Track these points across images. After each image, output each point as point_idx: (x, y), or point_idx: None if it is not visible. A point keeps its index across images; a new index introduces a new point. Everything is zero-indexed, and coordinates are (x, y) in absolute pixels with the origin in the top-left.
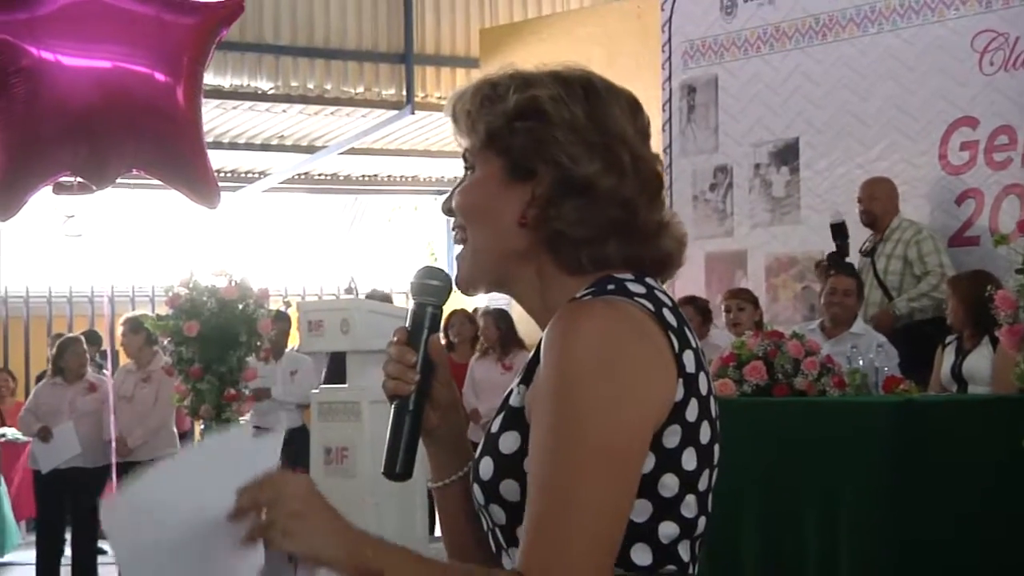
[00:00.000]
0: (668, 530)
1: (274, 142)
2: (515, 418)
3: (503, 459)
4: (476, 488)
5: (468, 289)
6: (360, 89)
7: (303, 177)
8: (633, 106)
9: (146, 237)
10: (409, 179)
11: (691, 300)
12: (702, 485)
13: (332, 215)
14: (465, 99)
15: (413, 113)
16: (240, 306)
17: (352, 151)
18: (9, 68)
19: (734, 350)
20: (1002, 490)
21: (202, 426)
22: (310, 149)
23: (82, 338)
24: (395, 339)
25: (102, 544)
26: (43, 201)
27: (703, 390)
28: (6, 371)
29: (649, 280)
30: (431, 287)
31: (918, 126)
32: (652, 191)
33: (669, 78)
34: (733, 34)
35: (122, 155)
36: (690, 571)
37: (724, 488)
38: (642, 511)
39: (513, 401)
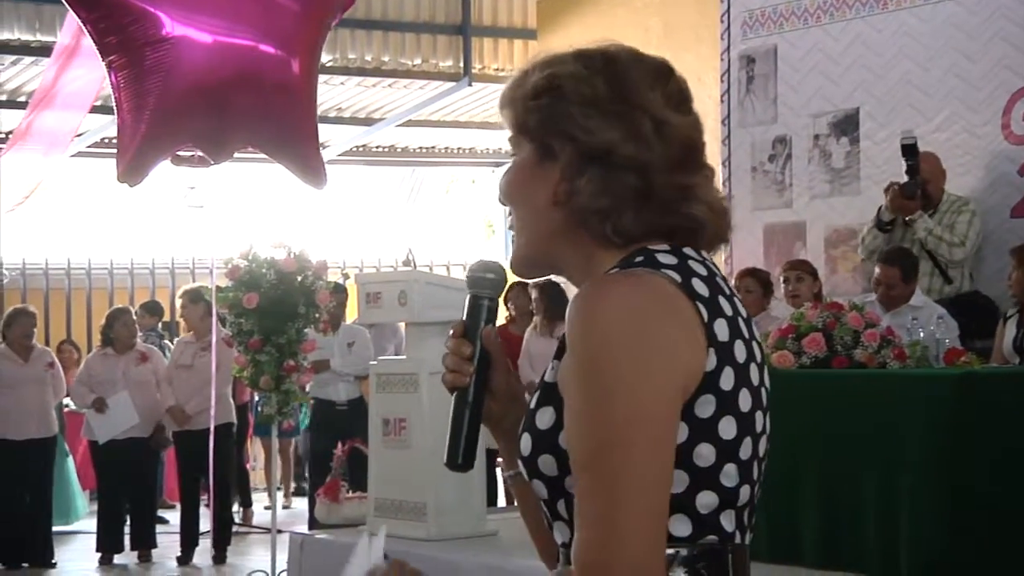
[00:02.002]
0: (707, 499)
1: (332, 114)
2: (549, 393)
3: (540, 435)
4: (521, 465)
5: (520, 272)
6: (417, 61)
7: (361, 149)
8: (660, 72)
9: (207, 210)
10: (467, 151)
11: (752, 272)
12: (744, 453)
13: (390, 187)
14: (505, 88)
15: (470, 85)
16: (299, 278)
17: (409, 123)
18: (149, 38)
19: (792, 322)
20: None
21: (258, 398)
22: (368, 121)
23: (131, 309)
24: (452, 332)
25: (161, 513)
26: (98, 173)
27: (740, 358)
28: (69, 342)
29: (687, 251)
30: (485, 280)
31: (980, 96)
32: (679, 156)
33: (728, 49)
34: (793, 3)
35: (244, 132)
36: (737, 540)
37: (782, 460)
38: (678, 482)
39: (548, 376)
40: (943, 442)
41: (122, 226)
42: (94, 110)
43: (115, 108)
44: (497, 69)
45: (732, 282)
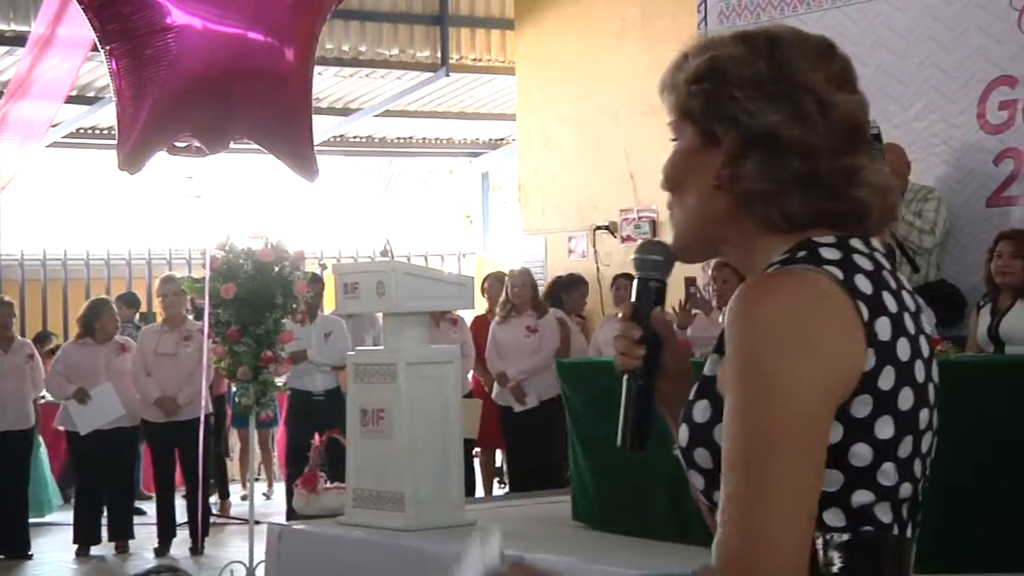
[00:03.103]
0: (862, 498)
1: None
2: (707, 387)
3: (696, 428)
4: (678, 454)
5: (682, 257)
6: (395, 51)
7: (338, 140)
8: (823, 52)
9: (183, 201)
10: (444, 141)
11: (727, 264)
12: (903, 451)
13: (367, 178)
14: (665, 72)
15: (448, 75)
16: (276, 268)
17: (387, 113)
18: (153, 26)
19: None
20: None
21: (236, 389)
22: (345, 111)
23: (110, 300)
24: (620, 315)
25: (138, 504)
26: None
27: (903, 356)
28: (45, 333)
29: (854, 242)
30: (652, 262)
31: (956, 85)
32: (844, 137)
33: None
34: None
35: (243, 122)
36: (896, 532)
37: None
38: (833, 481)
39: (706, 370)
40: None
41: (98, 217)
42: (69, 100)
43: (115, 96)
44: (475, 59)
45: (710, 272)
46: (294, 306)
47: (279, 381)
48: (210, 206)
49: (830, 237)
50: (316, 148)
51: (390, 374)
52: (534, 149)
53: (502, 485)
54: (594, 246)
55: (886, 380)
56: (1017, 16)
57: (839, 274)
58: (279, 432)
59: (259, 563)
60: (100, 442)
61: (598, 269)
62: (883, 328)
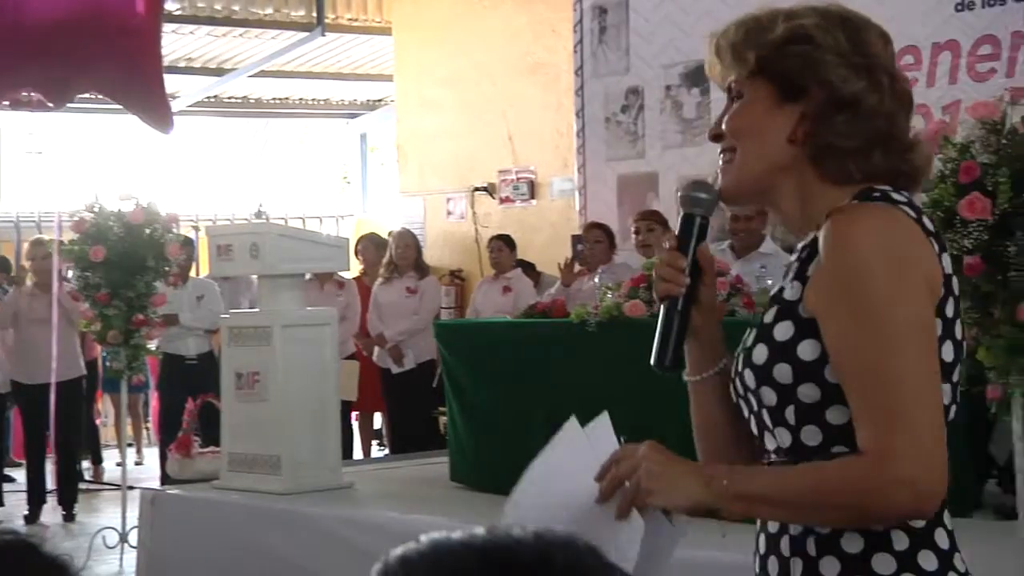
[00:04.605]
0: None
1: (182, 64)
2: (790, 310)
3: (778, 345)
4: (748, 373)
5: (733, 200)
6: (269, 11)
7: (213, 100)
8: (884, 36)
9: (53, 161)
10: (321, 102)
11: (598, 224)
12: (955, 377)
13: (243, 139)
14: (729, 34)
15: (324, 35)
16: (147, 231)
17: (262, 74)
18: None
19: (644, 271)
20: None
21: (104, 353)
22: (219, 72)
23: None
24: (667, 245)
25: (8, 472)
26: None
27: (956, 291)
28: None
29: (905, 195)
30: (699, 199)
31: None
32: (907, 108)
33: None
34: None
35: (88, 75)
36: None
37: (633, 404)
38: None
39: (788, 295)
40: None
41: None
42: None
43: None
44: (351, 19)
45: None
46: (166, 269)
47: (151, 345)
48: (61, 166)
49: (888, 187)
50: (190, 108)
51: (265, 337)
52: (412, 110)
53: (382, 447)
54: (472, 207)
55: (950, 309)
56: None
57: (912, 213)
58: (153, 397)
59: (132, 528)
60: None
61: (476, 230)
62: (947, 262)
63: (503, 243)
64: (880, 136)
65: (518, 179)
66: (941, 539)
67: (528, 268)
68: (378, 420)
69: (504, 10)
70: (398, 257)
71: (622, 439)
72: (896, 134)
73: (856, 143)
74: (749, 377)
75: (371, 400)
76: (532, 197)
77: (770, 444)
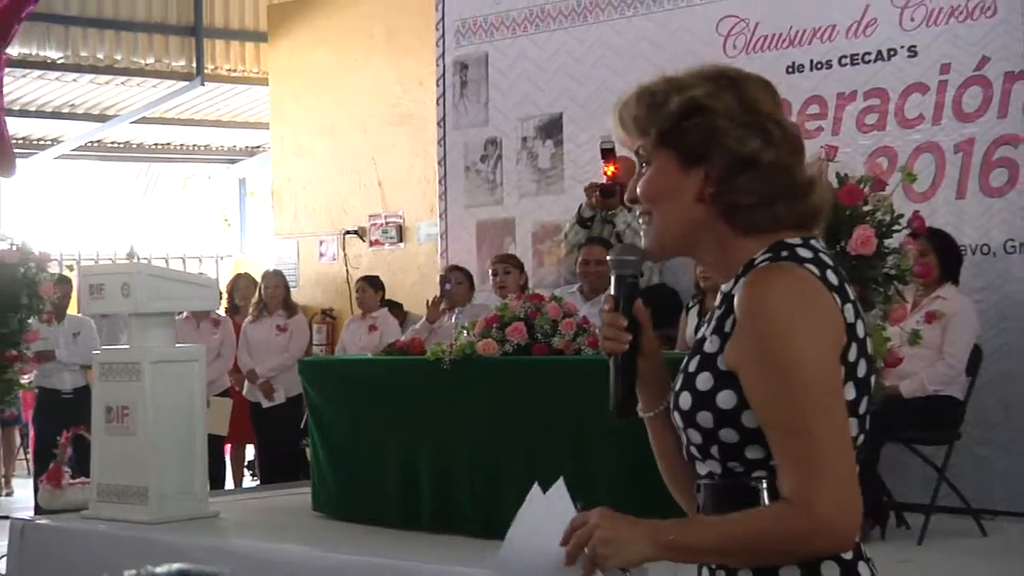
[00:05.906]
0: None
1: (65, 110)
2: (710, 362)
3: (699, 395)
4: (677, 415)
5: (659, 257)
6: (150, 60)
7: (96, 145)
8: (766, 85)
9: None
10: (202, 148)
11: (458, 268)
12: (861, 410)
13: (126, 183)
14: (630, 107)
15: (203, 84)
16: (21, 270)
17: (144, 120)
18: None
19: (497, 311)
20: None
21: None
22: (102, 118)
23: None
24: (606, 308)
25: None
26: None
27: (860, 334)
28: None
29: (814, 243)
30: (628, 262)
31: None
32: (800, 152)
33: (443, 55)
34: (502, 14)
35: None
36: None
37: (485, 439)
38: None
39: (708, 348)
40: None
41: None
42: None
43: None
44: (230, 70)
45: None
46: (40, 307)
47: (25, 379)
48: None
49: (797, 239)
50: (72, 152)
51: (135, 372)
52: (287, 157)
53: (255, 478)
54: (344, 249)
55: (852, 353)
56: (722, 41)
57: (816, 271)
58: (31, 430)
59: (0, 557)
60: None
61: (347, 272)
62: (849, 312)
63: (367, 284)
64: (781, 188)
65: (387, 223)
66: (864, 570)
67: (395, 308)
68: (251, 452)
69: (375, 63)
70: (268, 296)
71: (578, 505)
72: (795, 182)
73: (758, 198)
74: (678, 418)
75: (243, 432)
76: (400, 240)
77: (702, 471)
